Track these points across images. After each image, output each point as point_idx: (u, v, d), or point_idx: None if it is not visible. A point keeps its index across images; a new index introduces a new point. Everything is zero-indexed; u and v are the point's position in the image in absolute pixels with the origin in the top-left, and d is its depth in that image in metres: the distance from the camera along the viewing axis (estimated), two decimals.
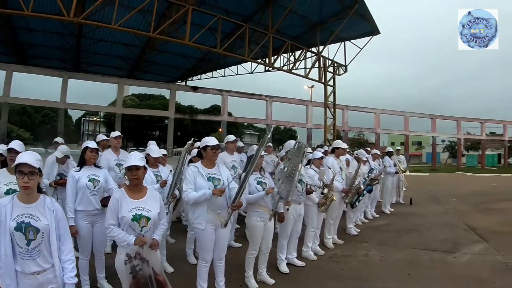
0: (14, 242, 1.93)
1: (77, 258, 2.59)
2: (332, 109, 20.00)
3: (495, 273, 4.32)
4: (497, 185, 16.60)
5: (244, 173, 3.44)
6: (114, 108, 24.05)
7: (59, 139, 5.09)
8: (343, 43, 18.52)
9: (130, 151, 5.42)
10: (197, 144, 5.12)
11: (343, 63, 19.33)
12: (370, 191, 6.68)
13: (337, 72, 19.50)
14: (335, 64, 19.38)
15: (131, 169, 2.52)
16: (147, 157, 3.97)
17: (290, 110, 28.26)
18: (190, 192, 3.11)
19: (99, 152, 3.73)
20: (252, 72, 21.43)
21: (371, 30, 16.93)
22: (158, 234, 2.60)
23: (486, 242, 5.79)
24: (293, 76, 17.54)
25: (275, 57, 16.26)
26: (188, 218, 3.97)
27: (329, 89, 19.49)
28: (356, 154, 6.76)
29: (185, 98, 35.68)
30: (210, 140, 3.29)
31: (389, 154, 9.05)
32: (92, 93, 30.49)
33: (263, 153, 3.54)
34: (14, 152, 3.01)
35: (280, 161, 5.27)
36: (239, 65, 22.24)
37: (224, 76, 24.08)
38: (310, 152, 4.96)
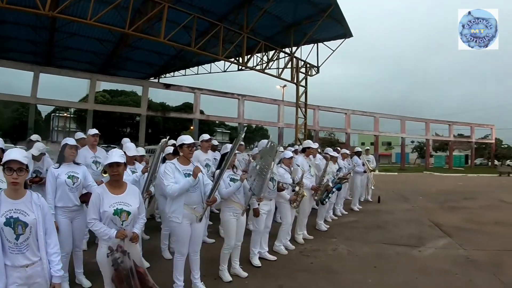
0: (4, 237, 1.99)
1: None
2: (304, 109, 20.37)
3: (458, 266, 4.56)
4: (463, 185, 17.11)
5: (218, 170, 3.63)
6: (86, 104, 23.34)
7: (34, 137, 5.04)
8: (316, 44, 18.78)
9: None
10: (171, 142, 5.27)
11: (316, 64, 19.67)
12: (339, 189, 6.92)
13: (309, 73, 19.84)
14: (308, 65, 19.71)
15: (112, 166, 2.64)
16: None
17: (262, 109, 28.51)
18: (174, 185, 3.29)
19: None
20: (225, 71, 21.49)
21: (344, 32, 17.27)
22: (138, 228, 2.72)
23: (450, 237, 6.06)
24: (266, 76, 17.69)
25: (249, 56, 16.39)
26: (163, 213, 4.08)
27: (301, 89, 19.79)
28: (325, 153, 7.01)
29: (157, 95, 35.09)
30: (187, 139, 3.53)
31: (358, 153, 9.35)
32: (62, 88, 29.32)
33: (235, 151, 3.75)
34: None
35: (252, 159, 5.50)
36: (212, 64, 22.23)
37: (197, 74, 24.02)
38: (282, 151, 5.21)
